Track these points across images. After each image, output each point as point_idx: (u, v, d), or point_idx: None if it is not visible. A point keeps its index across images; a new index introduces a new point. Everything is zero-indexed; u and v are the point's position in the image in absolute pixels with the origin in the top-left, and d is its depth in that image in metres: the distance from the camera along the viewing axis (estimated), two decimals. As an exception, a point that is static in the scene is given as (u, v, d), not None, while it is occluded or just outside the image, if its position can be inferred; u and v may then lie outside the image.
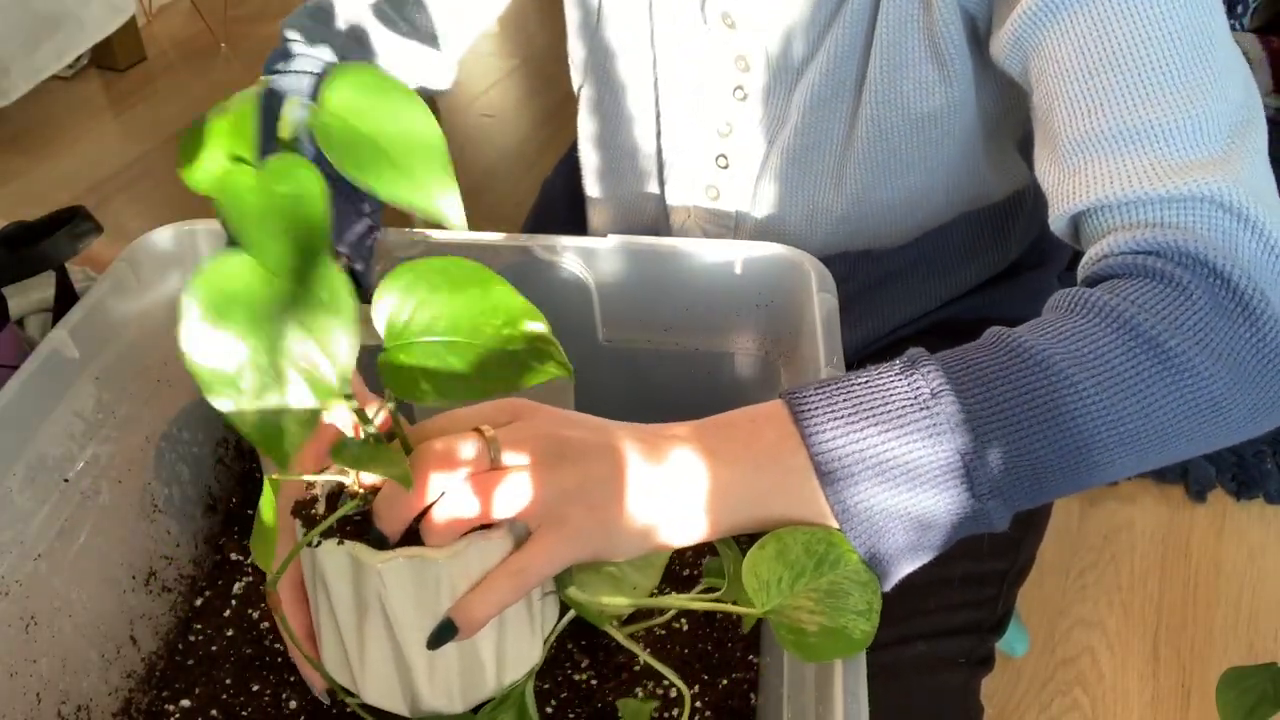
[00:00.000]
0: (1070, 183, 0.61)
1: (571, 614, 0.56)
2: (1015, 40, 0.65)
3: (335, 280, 0.37)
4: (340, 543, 0.50)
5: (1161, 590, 1.44)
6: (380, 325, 0.44)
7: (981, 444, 0.51)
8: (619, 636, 0.55)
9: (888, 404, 0.51)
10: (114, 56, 2.47)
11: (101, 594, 0.67)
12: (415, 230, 0.76)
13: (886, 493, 0.51)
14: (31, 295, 1.23)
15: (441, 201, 0.38)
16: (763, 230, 0.85)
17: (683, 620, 0.71)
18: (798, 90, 0.79)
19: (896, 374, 0.53)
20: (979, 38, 0.73)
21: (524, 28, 2.64)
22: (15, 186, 2.16)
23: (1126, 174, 0.58)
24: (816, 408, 0.52)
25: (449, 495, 0.49)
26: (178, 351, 0.38)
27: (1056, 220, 0.63)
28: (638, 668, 0.68)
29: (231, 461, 0.82)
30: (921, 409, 0.51)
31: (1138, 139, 0.59)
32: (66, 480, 0.65)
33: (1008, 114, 0.80)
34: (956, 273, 0.89)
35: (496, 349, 0.44)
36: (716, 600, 0.55)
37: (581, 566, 0.54)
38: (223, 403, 0.38)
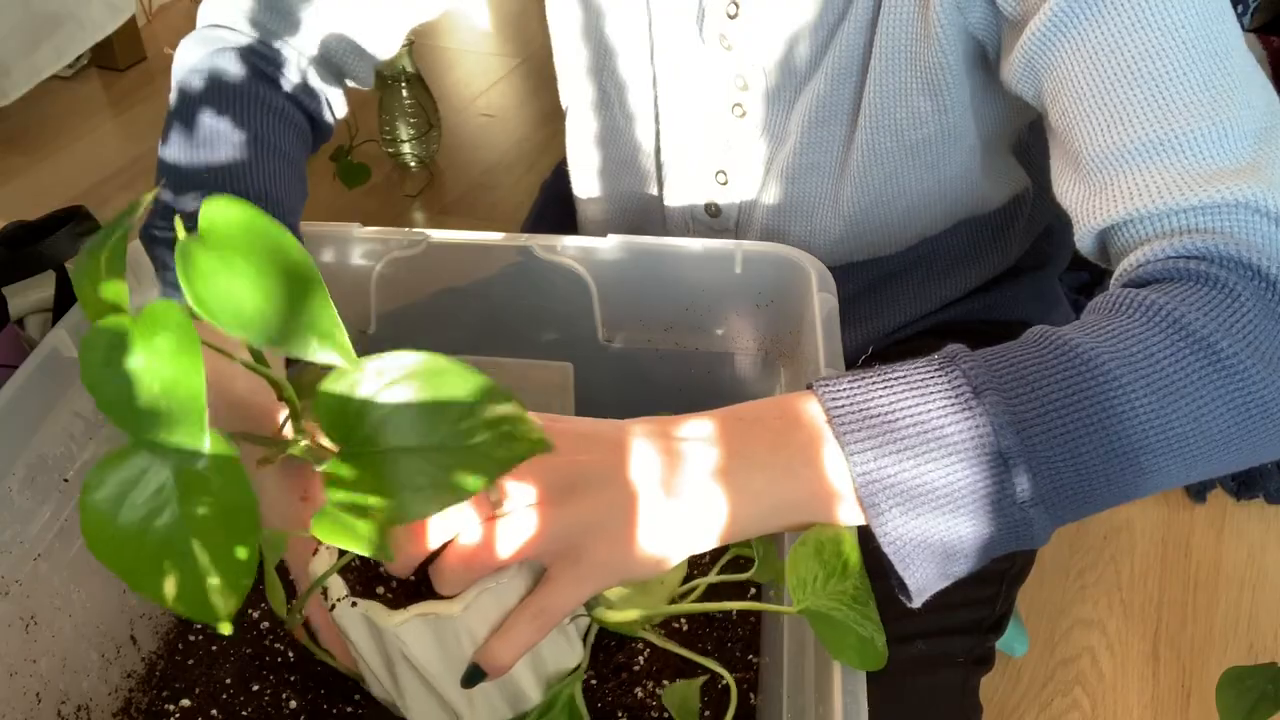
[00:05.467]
0: (1097, 199, 0.59)
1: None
2: (1027, 62, 0.63)
3: (224, 458, 0.34)
4: (354, 604, 0.50)
5: (1161, 590, 1.44)
6: (327, 440, 0.40)
7: (1027, 447, 0.48)
8: (656, 640, 0.55)
9: (927, 404, 0.49)
10: (114, 56, 2.47)
11: (101, 594, 0.67)
12: (415, 230, 0.76)
13: (929, 512, 0.48)
14: (31, 295, 1.23)
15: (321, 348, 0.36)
16: None
17: (682, 621, 0.71)
18: (796, 110, 0.79)
19: (936, 369, 0.50)
20: (988, 63, 0.72)
21: (524, 28, 2.64)
22: (15, 186, 2.16)
23: (1156, 186, 0.57)
24: (851, 408, 0.49)
25: (454, 544, 0.48)
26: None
27: (1083, 238, 0.61)
28: (637, 667, 0.68)
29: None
30: (964, 409, 0.48)
31: (1164, 151, 0.57)
32: (66, 480, 0.65)
33: (1006, 131, 0.79)
34: (956, 275, 0.89)
35: (452, 449, 0.39)
36: (760, 607, 0.54)
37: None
38: (152, 591, 0.35)
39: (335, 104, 0.80)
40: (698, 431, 0.50)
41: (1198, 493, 1.54)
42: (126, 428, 0.33)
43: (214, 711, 0.66)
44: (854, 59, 0.74)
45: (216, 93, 0.72)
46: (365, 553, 0.41)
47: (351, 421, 0.39)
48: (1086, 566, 1.47)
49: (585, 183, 0.92)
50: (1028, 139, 0.85)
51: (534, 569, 0.50)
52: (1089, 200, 0.60)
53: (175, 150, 0.70)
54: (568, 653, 0.54)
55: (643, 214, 0.91)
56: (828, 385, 0.50)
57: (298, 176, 0.74)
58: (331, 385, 0.39)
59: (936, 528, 0.48)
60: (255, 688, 0.67)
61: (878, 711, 0.50)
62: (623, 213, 0.92)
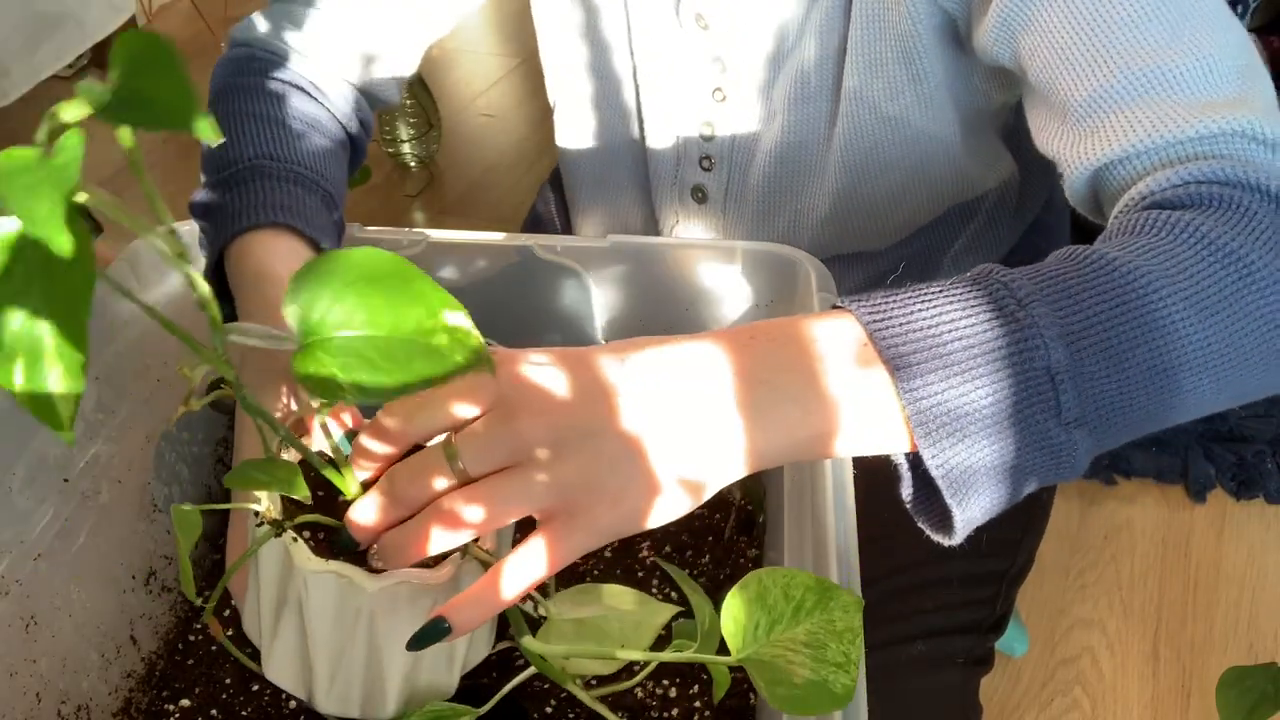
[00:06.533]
0: (1089, 141, 0.60)
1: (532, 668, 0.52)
2: (1003, 22, 0.64)
3: (80, 243, 0.35)
4: (279, 533, 0.48)
5: (1161, 590, 1.44)
6: (292, 323, 0.41)
7: (1075, 362, 0.45)
8: (584, 698, 0.51)
9: (971, 317, 0.46)
10: (114, 57, 2.47)
11: (101, 594, 0.67)
12: (415, 230, 0.76)
13: (978, 435, 0.45)
14: (31, 295, 1.22)
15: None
16: (749, 232, 0.85)
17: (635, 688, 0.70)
18: (776, 90, 0.79)
19: (971, 284, 0.47)
20: (958, 37, 0.73)
21: (524, 28, 2.64)
22: (15, 186, 2.16)
23: (1151, 121, 0.57)
24: (893, 326, 0.46)
25: (434, 508, 0.46)
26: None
27: (1075, 182, 0.61)
28: (637, 668, 0.68)
29: (231, 461, 0.82)
30: (1010, 320, 0.46)
31: (1154, 87, 0.58)
32: (66, 480, 0.65)
33: (986, 108, 0.79)
34: (950, 271, 0.89)
35: (418, 342, 0.41)
36: (693, 655, 0.49)
37: (562, 614, 0.52)
38: (6, 379, 0.36)
39: (366, 122, 0.81)
40: (714, 363, 0.46)
41: (1198, 493, 1.54)
42: (21, 217, 0.34)
43: (214, 711, 0.66)
44: (833, 34, 0.74)
45: (261, 94, 0.74)
46: (282, 491, 0.44)
47: (320, 311, 0.41)
48: (1086, 566, 1.47)
49: (575, 176, 0.93)
50: (1014, 123, 0.85)
51: (472, 572, 0.49)
52: (1080, 144, 0.60)
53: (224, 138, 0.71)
54: (445, 676, 0.52)
55: (632, 203, 0.91)
56: (864, 303, 0.47)
57: (341, 166, 0.75)
58: (302, 277, 0.41)
59: (986, 451, 0.45)
60: (255, 688, 0.67)
61: (878, 711, 0.50)
62: (613, 202, 0.92)
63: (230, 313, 0.64)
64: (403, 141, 2.12)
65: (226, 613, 0.72)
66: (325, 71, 0.77)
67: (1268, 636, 1.39)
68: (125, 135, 0.37)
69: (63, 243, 0.34)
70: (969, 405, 0.45)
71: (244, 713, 0.66)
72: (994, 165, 0.85)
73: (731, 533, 0.74)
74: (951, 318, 0.46)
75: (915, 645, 0.77)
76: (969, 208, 0.86)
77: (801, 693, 0.46)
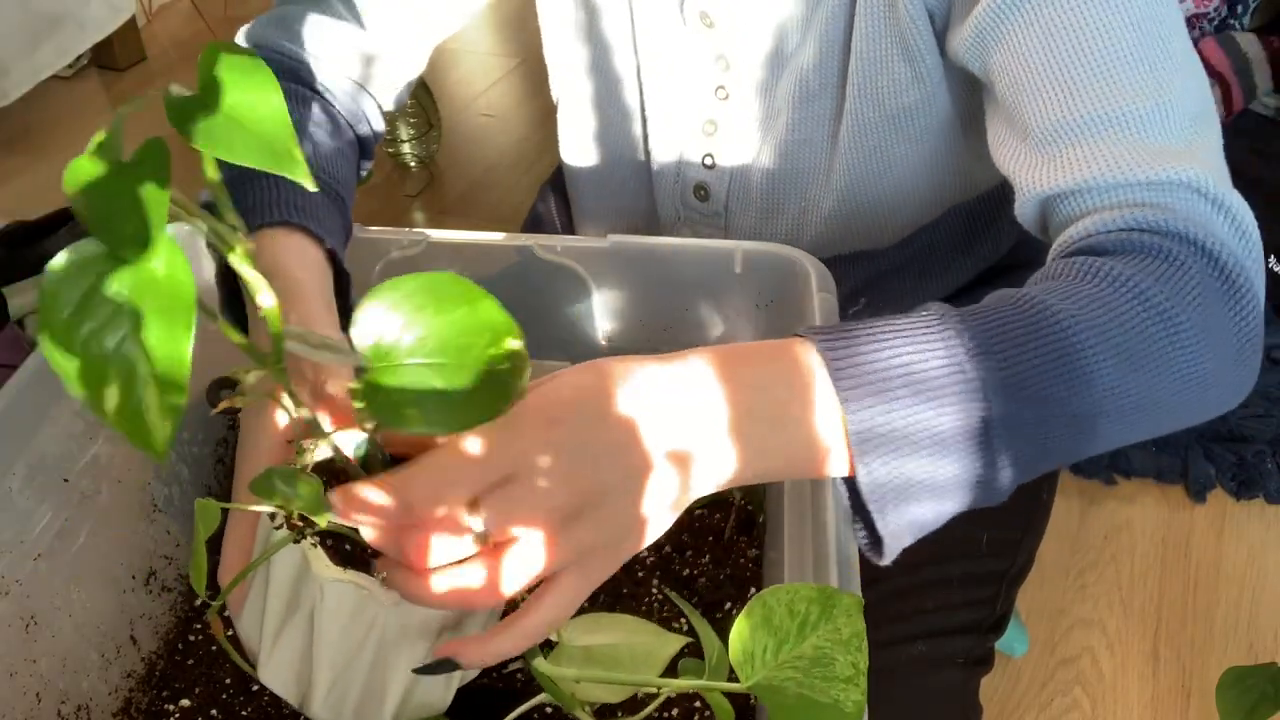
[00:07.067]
0: (1046, 168, 0.62)
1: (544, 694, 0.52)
2: (978, 33, 0.65)
3: (175, 260, 0.34)
4: (297, 540, 0.49)
5: (1161, 590, 1.44)
6: (364, 345, 0.41)
7: (1009, 412, 0.49)
8: None
9: (925, 362, 0.49)
10: (114, 56, 2.47)
11: (101, 594, 0.67)
12: (415, 230, 0.76)
13: (909, 460, 0.49)
14: (31, 295, 1.23)
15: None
16: (752, 231, 0.85)
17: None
18: (780, 88, 0.79)
19: (927, 328, 0.50)
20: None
21: (524, 28, 2.64)
22: (15, 186, 2.16)
23: (1106, 160, 0.60)
24: (850, 363, 0.49)
25: (451, 575, 0.46)
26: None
27: (1026, 204, 0.64)
28: (643, 696, 0.67)
29: (231, 461, 0.82)
30: (959, 371, 0.49)
31: (1113, 127, 0.60)
32: (66, 480, 0.65)
33: (980, 106, 0.80)
34: (950, 269, 0.89)
35: (484, 369, 0.42)
36: (702, 684, 0.50)
37: (573, 641, 0.52)
38: (94, 403, 0.35)
39: (375, 123, 0.81)
40: (710, 396, 0.49)
41: (1198, 493, 1.54)
42: (106, 240, 0.34)
43: (214, 711, 0.66)
44: (838, 31, 0.75)
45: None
46: (304, 511, 0.44)
47: (392, 336, 0.41)
48: (1086, 566, 1.47)
49: (576, 174, 0.93)
50: None
51: None
52: (1037, 168, 0.62)
53: None
54: (441, 693, 0.52)
55: (633, 200, 0.91)
56: (825, 338, 0.50)
57: (350, 168, 0.76)
58: (376, 299, 0.41)
59: (914, 474, 0.49)
60: (255, 688, 0.67)
61: (878, 711, 0.50)
62: (615, 201, 0.92)
63: (241, 309, 0.65)
64: (403, 141, 2.12)
65: (227, 613, 0.72)
66: (332, 73, 0.77)
67: (1268, 636, 1.39)
68: (210, 168, 0.37)
69: (162, 263, 0.34)
70: (906, 433, 0.48)
71: (244, 713, 0.66)
72: (994, 164, 0.85)
73: (731, 533, 0.74)
74: (905, 358, 0.49)
75: (915, 645, 0.77)
76: (970, 206, 0.86)
77: (813, 716, 0.46)
